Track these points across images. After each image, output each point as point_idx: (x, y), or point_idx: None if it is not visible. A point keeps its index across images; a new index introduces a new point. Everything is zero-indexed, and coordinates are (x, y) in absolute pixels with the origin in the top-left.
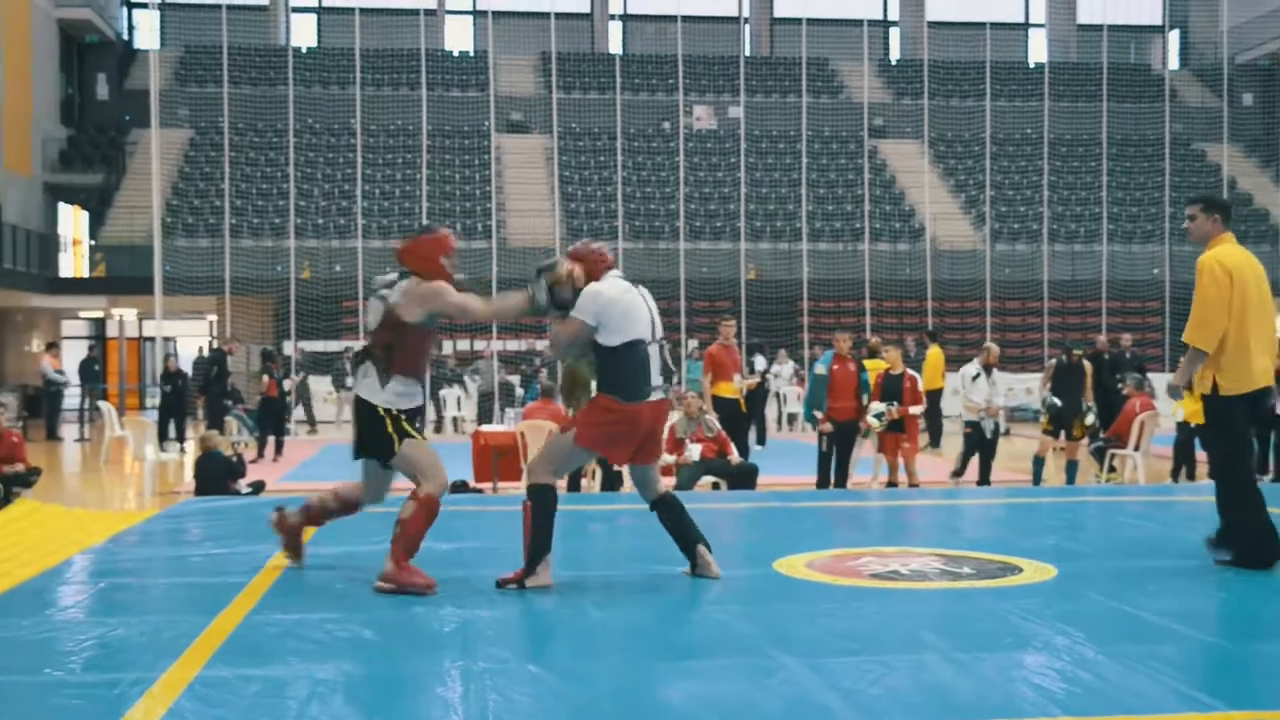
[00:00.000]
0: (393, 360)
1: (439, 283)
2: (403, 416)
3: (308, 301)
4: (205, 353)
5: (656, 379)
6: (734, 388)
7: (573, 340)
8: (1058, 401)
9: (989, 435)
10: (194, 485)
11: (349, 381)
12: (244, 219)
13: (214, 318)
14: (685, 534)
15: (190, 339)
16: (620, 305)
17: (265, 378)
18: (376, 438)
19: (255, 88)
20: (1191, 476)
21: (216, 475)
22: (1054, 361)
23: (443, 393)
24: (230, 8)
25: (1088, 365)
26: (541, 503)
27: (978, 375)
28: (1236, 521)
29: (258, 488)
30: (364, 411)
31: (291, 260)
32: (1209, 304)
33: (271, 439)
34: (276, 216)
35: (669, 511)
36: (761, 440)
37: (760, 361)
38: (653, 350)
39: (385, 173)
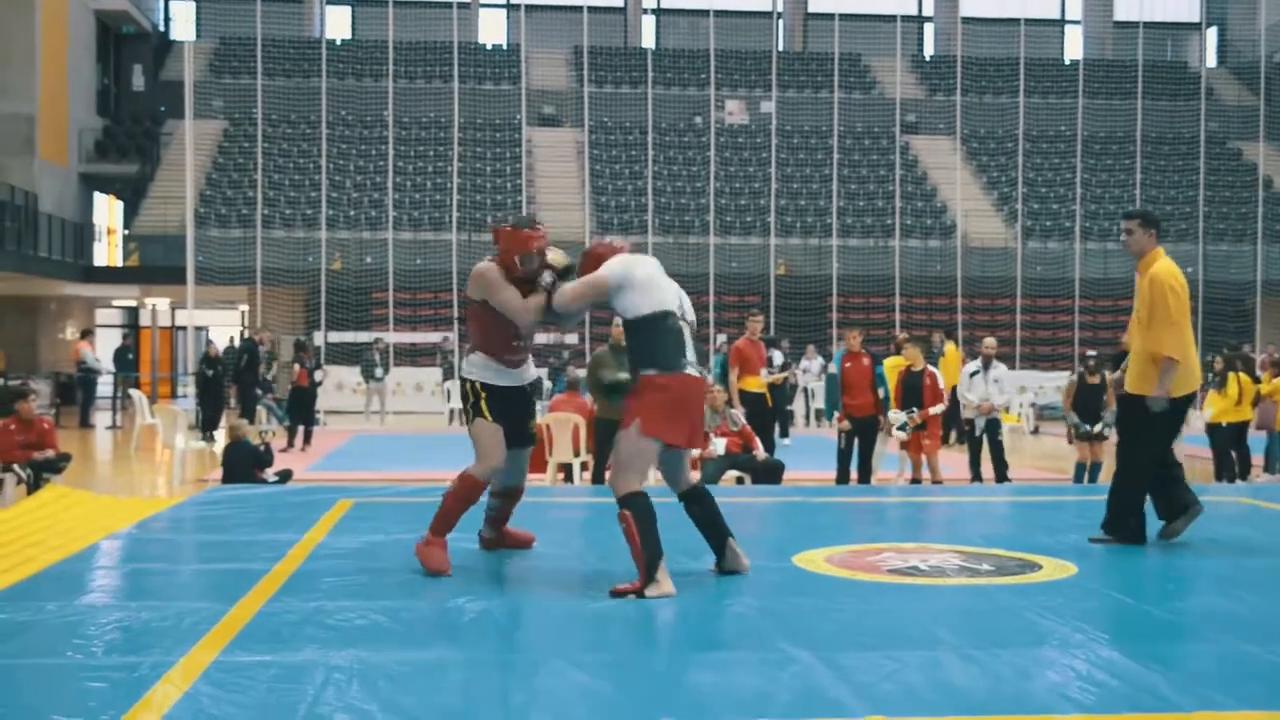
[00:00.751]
0: (474, 335)
1: (496, 273)
2: (484, 393)
3: (338, 293)
4: (236, 343)
5: (690, 355)
6: (760, 382)
7: (579, 299)
8: (1082, 425)
9: (978, 433)
10: (221, 473)
11: (378, 373)
12: (276, 210)
13: (245, 307)
14: (716, 527)
15: (222, 328)
16: (645, 269)
17: (297, 367)
18: (464, 408)
19: (289, 79)
20: (1234, 478)
21: (244, 464)
22: (1074, 378)
23: (448, 384)
24: (266, 1)
25: (1109, 377)
26: (639, 510)
27: (975, 372)
28: (1121, 491)
29: (284, 476)
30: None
31: (323, 251)
32: (1174, 316)
33: (301, 428)
34: (308, 208)
35: (700, 504)
36: (785, 433)
37: (778, 355)
38: (684, 327)
39: (417, 165)
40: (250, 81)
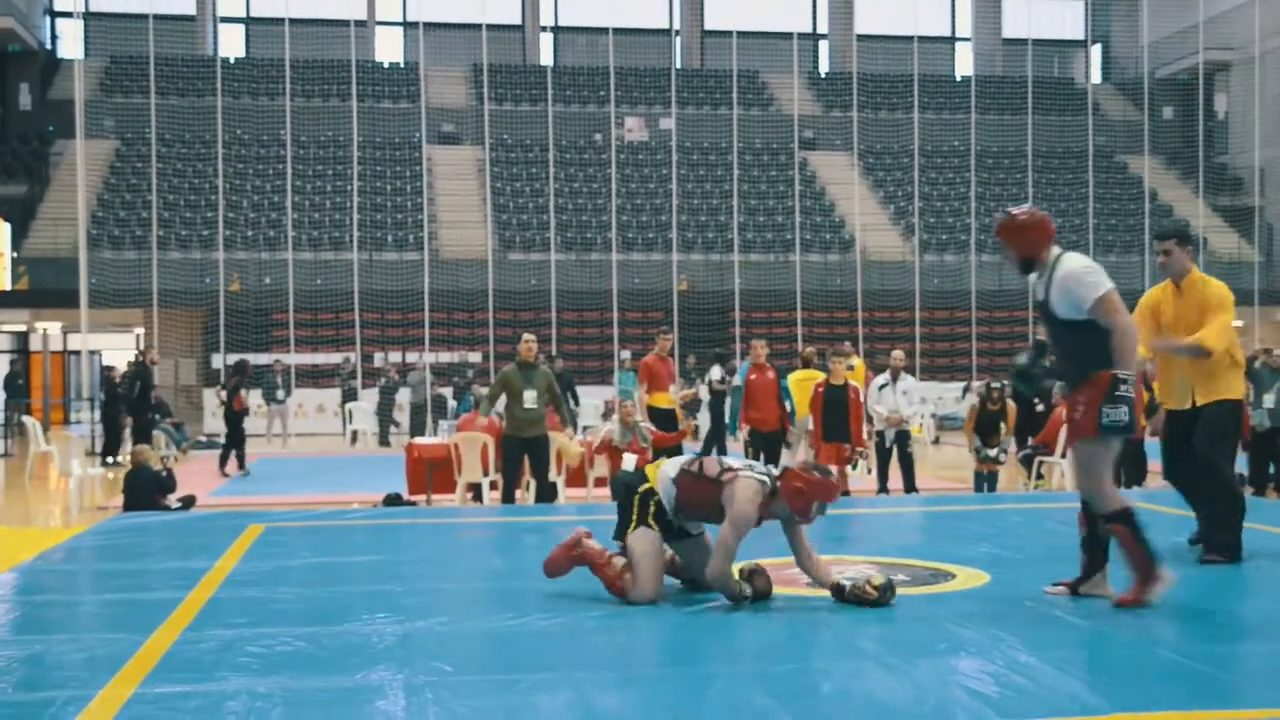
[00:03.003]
0: None
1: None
2: None
3: (237, 314)
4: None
5: None
6: (669, 398)
7: None
8: (983, 449)
9: (888, 445)
10: (123, 500)
11: (279, 395)
12: (171, 231)
13: (141, 330)
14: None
15: (117, 352)
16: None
17: (238, 392)
18: None
19: (183, 98)
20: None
21: (146, 490)
22: (975, 403)
23: (349, 406)
24: (157, 17)
25: (1010, 407)
26: (1130, 523)
27: (884, 385)
28: (1224, 505)
29: (188, 503)
30: None
31: (220, 272)
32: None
33: (234, 453)
34: (205, 228)
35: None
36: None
37: (716, 371)
38: None
39: (315, 184)
40: (143, 100)
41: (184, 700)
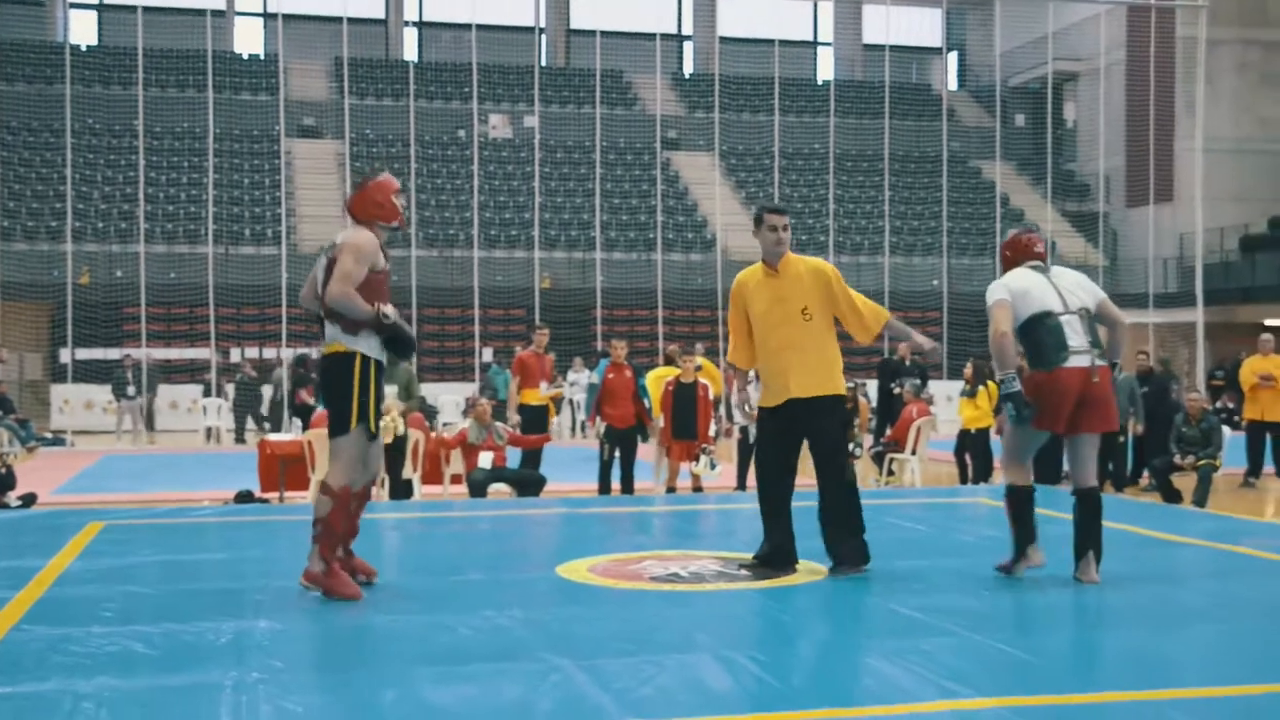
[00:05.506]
0: None
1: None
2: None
3: (86, 308)
4: None
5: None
6: (540, 395)
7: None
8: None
9: (751, 442)
10: None
11: (130, 390)
12: (17, 221)
13: None
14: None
15: None
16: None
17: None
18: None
19: (30, 85)
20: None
21: None
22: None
23: (203, 402)
24: (4, 1)
25: (863, 404)
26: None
27: (750, 381)
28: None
29: (28, 500)
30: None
31: (69, 265)
32: None
33: None
34: (53, 219)
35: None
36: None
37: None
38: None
39: (170, 176)
40: None
41: (3, 702)
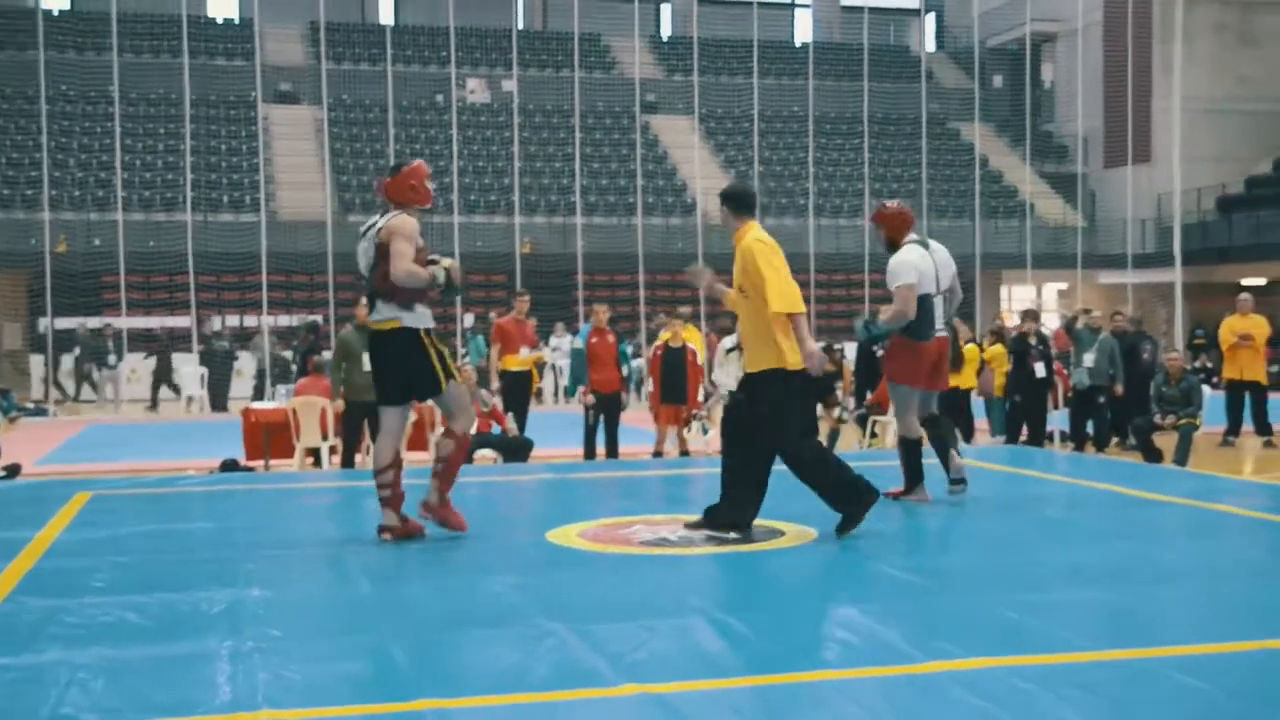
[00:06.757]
0: None
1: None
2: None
3: (64, 277)
4: None
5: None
6: (521, 360)
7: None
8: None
9: None
10: None
11: (110, 360)
12: None
13: None
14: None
15: None
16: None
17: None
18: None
19: (2, 51)
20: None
21: None
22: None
23: (185, 370)
24: None
25: (846, 368)
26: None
27: (733, 349)
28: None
29: (13, 471)
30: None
31: (46, 233)
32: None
33: None
34: (29, 188)
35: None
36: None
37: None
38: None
39: (147, 143)
40: None
41: (1, 673)
